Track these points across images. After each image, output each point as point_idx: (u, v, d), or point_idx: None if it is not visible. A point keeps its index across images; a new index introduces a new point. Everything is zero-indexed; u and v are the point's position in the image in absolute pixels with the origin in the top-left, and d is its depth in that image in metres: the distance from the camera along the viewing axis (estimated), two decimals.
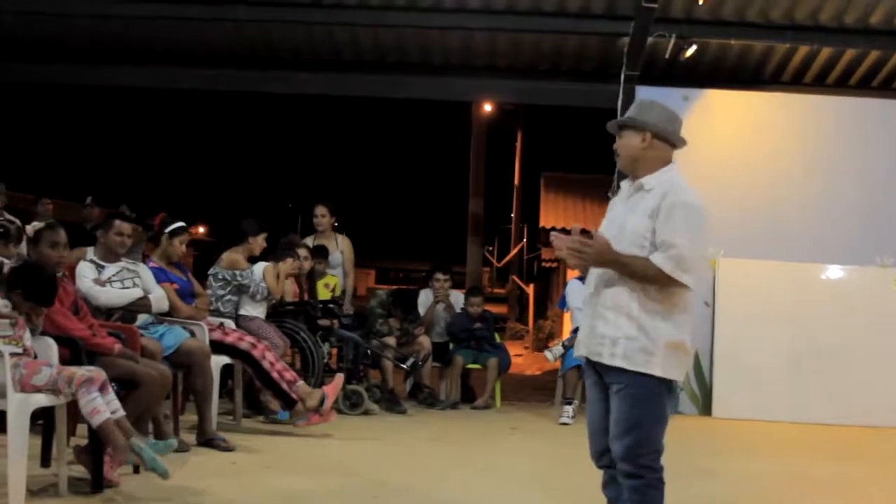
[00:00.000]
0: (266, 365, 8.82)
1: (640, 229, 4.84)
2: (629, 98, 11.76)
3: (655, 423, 4.85)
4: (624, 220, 4.95)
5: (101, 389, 6.03)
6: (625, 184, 5.18)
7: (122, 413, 6.14)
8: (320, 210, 12.00)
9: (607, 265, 4.83)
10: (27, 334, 6.29)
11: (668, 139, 5.06)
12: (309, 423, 8.83)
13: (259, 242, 10.19)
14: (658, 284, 4.78)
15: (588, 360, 5.03)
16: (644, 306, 4.80)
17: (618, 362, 4.81)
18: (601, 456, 5.05)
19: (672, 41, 11.43)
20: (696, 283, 4.84)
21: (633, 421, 4.81)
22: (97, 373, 6.05)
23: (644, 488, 4.82)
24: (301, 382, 8.94)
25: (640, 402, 4.81)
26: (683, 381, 4.88)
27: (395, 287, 13.46)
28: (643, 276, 4.77)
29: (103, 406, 5.96)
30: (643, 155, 5.01)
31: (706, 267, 11.12)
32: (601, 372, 4.95)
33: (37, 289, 6.39)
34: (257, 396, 9.83)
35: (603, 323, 4.89)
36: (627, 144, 5.04)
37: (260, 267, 10.09)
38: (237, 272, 9.87)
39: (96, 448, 6.32)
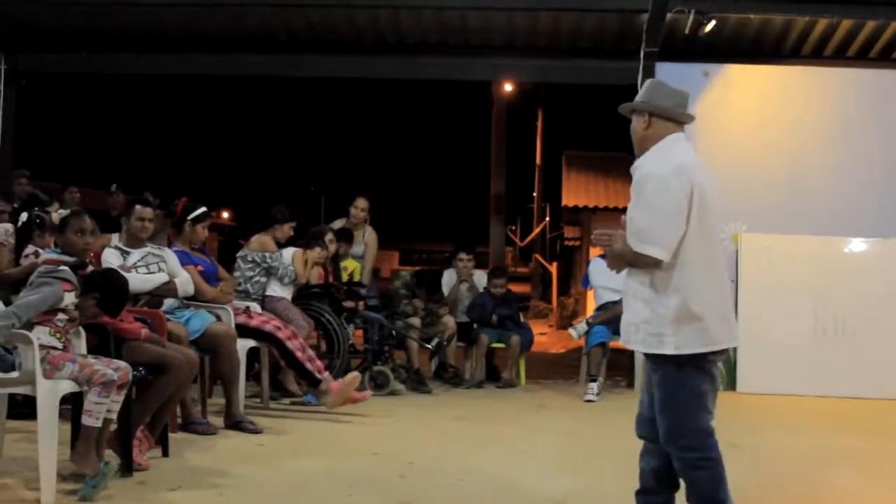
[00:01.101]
0: (290, 345, 8.89)
1: (630, 210, 4.98)
2: (649, 74, 11.72)
3: (686, 404, 4.89)
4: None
5: (119, 388, 6.09)
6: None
7: (113, 416, 6.16)
8: (362, 203, 11.91)
9: (620, 262, 5.02)
10: (74, 331, 6.38)
11: (668, 116, 5.10)
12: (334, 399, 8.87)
13: (285, 230, 10.34)
14: (640, 265, 4.90)
15: None
16: (654, 286, 4.90)
17: (638, 346, 5.01)
18: (639, 427, 5.25)
19: (691, 16, 11.36)
20: (667, 251, 4.82)
21: (663, 403, 4.94)
22: (123, 373, 6.09)
23: (687, 469, 4.93)
24: (327, 374, 9.03)
25: (666, 384, 4.93)
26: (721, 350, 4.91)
27: (418, 268, 13.43)
28: (632, 261, 4.92)
29: (100, 413, 5.97)
30: (646, 136, 5.10)
31: (711, 237, 11.12)
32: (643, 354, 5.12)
33: (113, 300, 6.56)
34: (283, 379, 9.91)
35: (627, 310, 5.08)
36: (634, 128, 5.18)
37: (289, 252, 10.19)
38: (267, 254, 10.00)
39: (126, 432, 6.40)
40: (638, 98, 5.17)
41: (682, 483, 5.05)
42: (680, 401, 4.89)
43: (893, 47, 11.97)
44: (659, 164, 4.90)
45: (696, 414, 4.89)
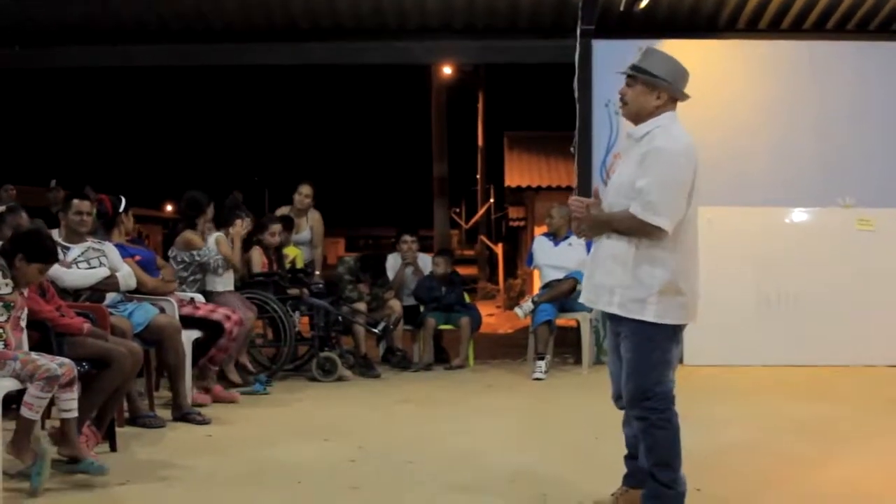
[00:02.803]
0: (225, 341, 9.04)
1: (629, 178, 5.02)
2: (586, 52, 11.78)
3: (655, 368, 5.03)
4: (620, 173, 5.19)
5: (67, 385, 6.03)
6: (624, 134, 5.31)
7: (73, 415, 6.15)
8: (305, 189, 11.88)
9: (601, 230, 5.09)
10: (24, 314, 6.28)
11: (675, 96, 5.17)
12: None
13: (209, 216, 10.27)
14: (639, 234, 4.94)
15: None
16: (639, 254, 4.99)
17: (614, 310, 5.07)
18: (618, 398, 5.30)
19: None
20: (673, 224, 4.92)
21: (633, 366, 5.05)
22: (67, 369, 6.03)
23: (650, 429, 5.04)
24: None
25: (639, 348, 5.03)
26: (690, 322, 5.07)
27: (362, 253, 13.44)
28: (627, 229, 4.97)
29: (40, 406, 5.95)
30: (652, 109, 5.13)
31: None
32: (610, 318, 5.21)
33: (38, 247, 6.42)
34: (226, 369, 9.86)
35: (602, 272, 5.13)
36: (638, 99, 5.16)
37: (212, 238, 10.08)
38: (194, 252, 9.89)
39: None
40: (650, 68, 5.12)
41: (641, 448, 5.12)
42: (650, 364, 5.01)
43: (827, 18, 12.06)
44: (670, 141, 4.98)
45: (662, 377, 5.03)
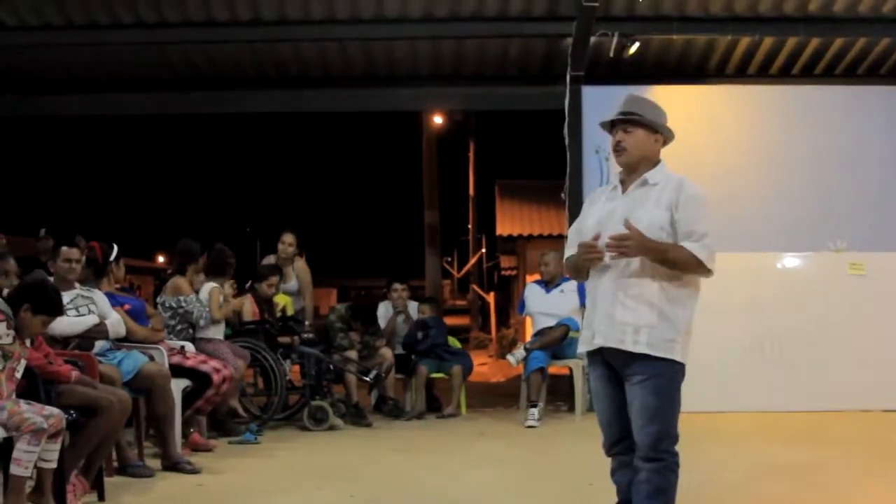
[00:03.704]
0: (212, 393, 8.98)
1: (657, 221, 5.02)
2: (576, 99, 11.80)
3: (676, 410, 5.05)
4: (632, 214, 5.06)
5: (54, 436, 5.97)
6: (615, 180, 5.34)
7: (51, 465, 6.09)
8: (288, 238, 11.80)
9: (648, 252, 4.95)
10: (21, 366, 6.22)
11: (668, 139, 5.27)
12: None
13: (201, 265, 10.24)
14: (686, 270, 4.97)
15: (594, 353, 5.20)
16: (665, 294, 4.99)
17: (642, 349, 4.98)
18: (613, 445, 5.26)
19: (615, 39, 11.44)
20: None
21: (656, 410, 4.98)
22: (55, 420, 5.97)
23: (664, 470, 5.00)
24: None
25: (663, 390, 4.98)
26: None
27: (353, 301, 13.41)
28: (675, 261, 4.95)
29: (29, 462, 5.86)
30: (652, 153, 5.19)
31: None
32: (618, 364, 5.09)
33: (45, 299, 6.39)
34: (221, 417, 9.80)
35: (622, 310, 5.04)
36: (640, 143, 5.18)
37: (206, 289, 10.03)
38: (181, 298, 9.83)
39: (59, 477, 6.25)
40: (653, 117, 5.19)
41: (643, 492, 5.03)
42: (670, 409, 5.00)
43: (815, 63, 12.12)
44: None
45: (677, 421, 5.05)
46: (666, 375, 4.97)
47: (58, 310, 6.55)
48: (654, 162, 5.18)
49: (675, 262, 4.94)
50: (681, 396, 5.06)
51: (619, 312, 5.04)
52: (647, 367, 4.97)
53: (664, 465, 4.99)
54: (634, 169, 5.19)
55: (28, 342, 6.32)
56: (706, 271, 4.97)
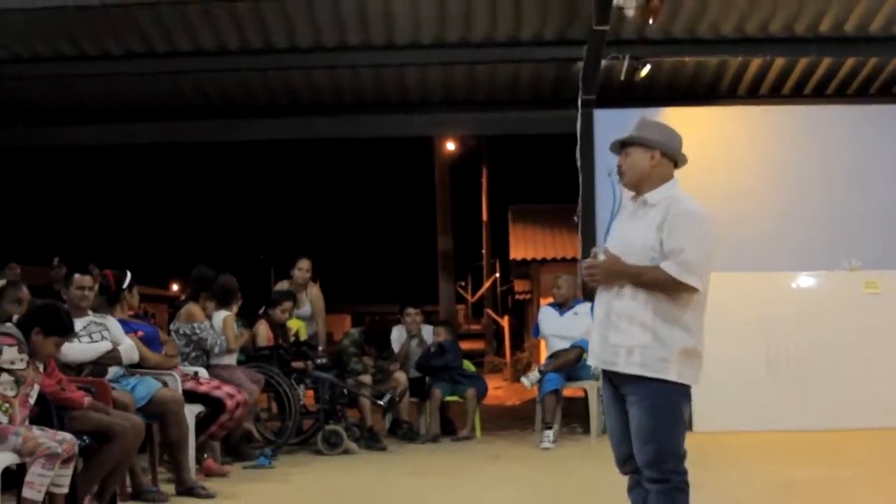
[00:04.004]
0: (226, 419, 8.97)
1: (649, 242, 4.98)
2: (588, 123, 11.82)
3: (674, 430, 4.99)
4: (630, 235, 5.12)
5: (66, 461, 5.97)
6: (627, 201, 5.33)
7: (63, 490, 6.07)
8: (304, 264, 11.80)
9: (619, 277, 4.97)
10: (34, 391, 6.22)
11: (673, 157, 5.19)
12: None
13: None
14: (667, 291, 4.91)
15: (604, 372, 5.20)
16: (658, 314, 4.94)
17: (634, 370, 4.95)
18: (625, 463, 5.20)
19: (626, 62, 11.48)
20: (704, 288, 4.94)
21: (652, 430, 4.94)
22: (68, 446, 5.97)
23: (671, 492, 4.95)
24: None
25: (658, 410, 4.94)
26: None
27: (365, 326, 13.36)
28: (653, 283, 4.92)
29: (42, 485, 5.85)
30: (651, 173, 5.14)
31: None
32: (617, 383, 5.09)
33: (55, 321, 6.40)
34: (236, 443, 9.79)
35: (615, 332, 5.03)
36: (635, 163, 5.17)
37: (220, 318, 10.04)
38: (195, 325, 9.83)
39: (73, 503, 6.24)
40: (642, 134, 5.17)
41: None
42: (669, 427, 4.96)
43: (827, 83, 12.14)
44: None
45: (679, 439, 5.00)
46: (661, 396, 4.93)
47: (69, 331, 6.56)
48: (657, 181, 5.13)
49: (653, 284, 4.91)
50: (683, 415, 5.02)
51: (612, 335, 5.04)
52: (641, 387, 4.96)
53: (671, 487, 4.93)
54: (638, 190, 5.18)
55: (41, 367, 6.32)
56: (687, 287, 4.88)
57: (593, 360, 5.24)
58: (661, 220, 4.97)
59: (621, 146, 5.22)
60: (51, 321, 6.36)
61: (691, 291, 4.91)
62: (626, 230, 5.18)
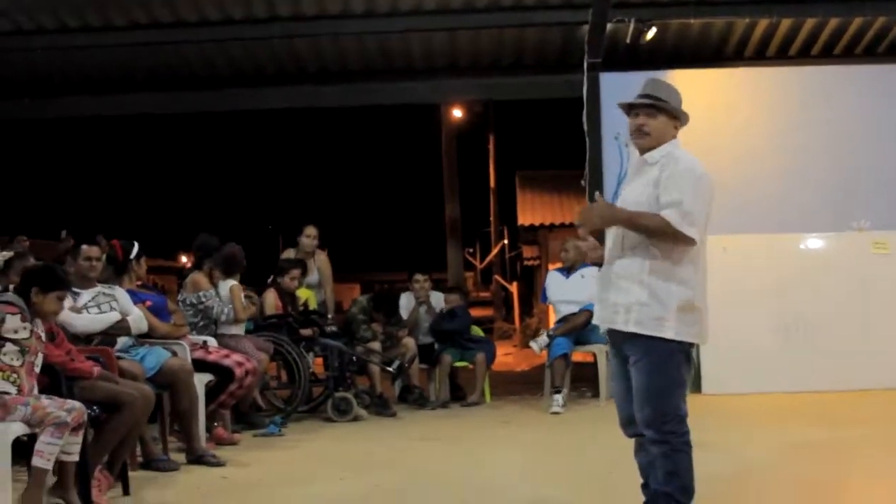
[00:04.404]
0: (235, 387, 9.01)
1: (643, 198, 5.02)
2: (594, 86, 11.78)
3: (674, 389, 5.00)
4: (628, 195, 5.17)
5: (76, 429, 5.98)
6: (633, 163, 5.36)
7: (73, 458, 6.09)
8: (311, 231, 11.78)
9: (614, 222, 4.98)
10: (39, 360, 6.23)
11: (684, 124, 5.25)
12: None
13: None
14: (662, 239, 4.91)
15: (608, 333, 5.24)
16: (655, 271, 4.97)
17: (631, 328, 4.99)
18: (628, 425, 5.24)
19: (632, 25, 11.43)
20: (700, 243, 4.97)
21: (651, 389, 4.97)
22: (77, 414, 5.98)
23: (671, 453, 4.97)
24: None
25: (656, 369, 4.97)
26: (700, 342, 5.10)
27: (375, 292, 13.36)
28: (649, 228, 4.92)
29: (52, 454, 5.85)
30: (666, 135, 5.17)
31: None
32: (618, 343, 5.14)
33: (50, 276, 6.37)
34: (245, 410, 9.81)
35: (615, 291, 5.07)
36: (663, 130, 5.18)
37: (226, 286, 10.04)
38: (201, 293, 9.84)
39: (83, 472, 6.27)
40: (672, 103, 5.17)
41: (658, 474, 5.01)
42: (668, 386, 4.97)
43: (834, 44, 12.07)
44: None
45: (679, 400, 5.01)
46: (657, 354, 4.95)
47: (65, 283, 6.52)
48: (662, 142, 5.15)
49: (647, 229, 4.91)
50: (683, 375, 5.02)
51: (612, 294, 5.08)
52: (638, 346, 4.99)
53: (671, 448, 4.96)
54: (648, 150, 5.18)
55: (43, 336, 6.31)
56: (685, 238, 4.88)
57: (597, 320, 5.31)
58: (657, 176, 5.00)
59: (642, 106, 5.17)
60: (46, 277, 6.33)
61: (688, 243, 4.92)
62: (629, 190, 5.20)
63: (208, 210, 51.44)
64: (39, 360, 6.25)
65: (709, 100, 11.84)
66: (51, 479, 6.11)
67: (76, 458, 6.09)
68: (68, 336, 7.11)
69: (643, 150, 5.21)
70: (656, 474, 5.02)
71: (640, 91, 5.24)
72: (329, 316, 11.64)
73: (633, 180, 5.25)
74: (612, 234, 5.16)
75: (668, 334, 4.92)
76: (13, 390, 5.97)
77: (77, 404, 6.06)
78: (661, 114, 5.15)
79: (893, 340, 11.18)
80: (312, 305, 11.39)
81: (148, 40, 11.79)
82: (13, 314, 6.04)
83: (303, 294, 11.42)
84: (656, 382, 4.96)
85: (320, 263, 11.88)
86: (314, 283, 11.75)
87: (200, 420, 8.38)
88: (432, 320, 11.88)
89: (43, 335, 6.31)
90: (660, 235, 4.90)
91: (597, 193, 5.03)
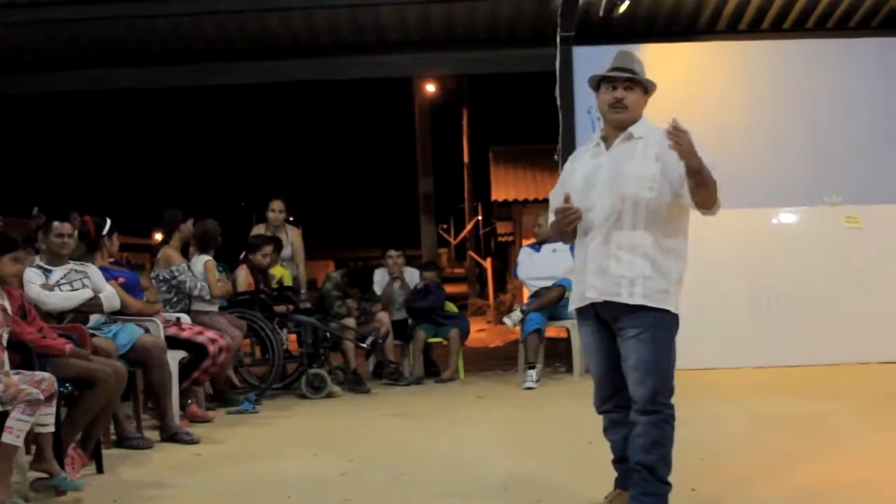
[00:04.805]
0: (209, 364, 9.01)
1: (648, 173, 5.00)
2: (567, 60, 11.74)
3: (672, 362, 5.06)
4: (619, 168, 5.07)
5: (47, 400, 5.92)
6: (596, 137, 5.29)
7: (48, 430, 6.05)
8: (277, 205, 11.76)
9: (695, 156, 4.68)
10: (5, 332, 6.17)
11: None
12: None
13: (189, 227, 10.16)
14: (711, 197, 4.89)
15: (585, 309, 5.19)
16: (658, 245, 5.00)
17: (638, 300, 4.97)
18: (606, 401, 5.27)
19: None
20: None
21: (654, 363, 4.98)
22: (47, 384, 5.94)
23: (660, 423, 5.01)
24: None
25: (660, 342, 5.00)
26: None
27: (347, 268, 13.31)
28: (708, 181, 4.81)
29: (21, 430, 5.79)
30: (641, 109, 5.20)
31: None
32: (612, 317, 5.08)
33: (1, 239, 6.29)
34: (220, 388, 9.79)
35: (616, 263, 5.04)
36: (639, 102, 5.19)
37: (200, 261, 10.00)
38: (173, 269, 9.81)
39: (57, 450, 6.23)
40: (638, 70, 5.16)
41: (639, 445, 5.01)
42: (667, 361, 5.02)
43: (807, 17, 12.03)
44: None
45: (673, 372, 5.06)
46: (661, 327, 4.97)
47: (17, 243, 6.47)
48: (638, 116, 5.17)
49: (707, 184, 4.80)
50: (675, 349, 5.05)
51: (614, 266, 5.02)
52: (642, 319, 4.96)
53: (660, 418, 4.98)
54: (623, 124, 5.15)
55: (8, 308, 6.25)
56: (715, 204, 4.91)
57: (592, 293, 5.11)
58: (658, 150, 4.96)
59: (619, 80, 5.13)
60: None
61: (714, 209, 4.94)
62: (610, 164, 5.11)
63: (182, 187, 51.22)
64: (6, 333, 6.20)
65: (682, 73, 11.83)
66: (28, 457, 6.09)
67: (51, 429, 6.05)
68: (40, 314, 7.08)
69: (619, 124, 5.16)
70: (637, 444, 5.00)
71: (612, 65, 5.18)
72: (302, 292, 11.62)
73: (620, 153, 5.10)
74: (605, 204, 5.07)
75: (671, 307, 4.99)
76: None
77: (47, 375, 6.05)
78: (637, 87, 5.14)
79: (866, 314, 11.23)
80: (287, 283, 11.36)
81: (121, 13, 11.64)
82: None
83: (277, 272, 11.38)
84: (660, 355, 4.98)
85: (293, 238, 11.84)
86: (287, 256, 11.69)
87: (174, 397, 8.35)
88: (406, 297, 11.85)
89: (9, 307, 6.25)
90: (711, 193, 4.85)
91: (675, 119, 4.68)
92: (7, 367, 6.17)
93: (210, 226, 10.29)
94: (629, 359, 5.01)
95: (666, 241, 5.00)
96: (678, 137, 4.61)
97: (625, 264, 4.99)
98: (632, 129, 5.13)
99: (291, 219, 12.07)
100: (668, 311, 4.98)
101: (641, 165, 5.01)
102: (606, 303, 5.06)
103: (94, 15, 11.63)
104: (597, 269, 5.08)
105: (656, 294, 4.95)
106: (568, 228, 5.15)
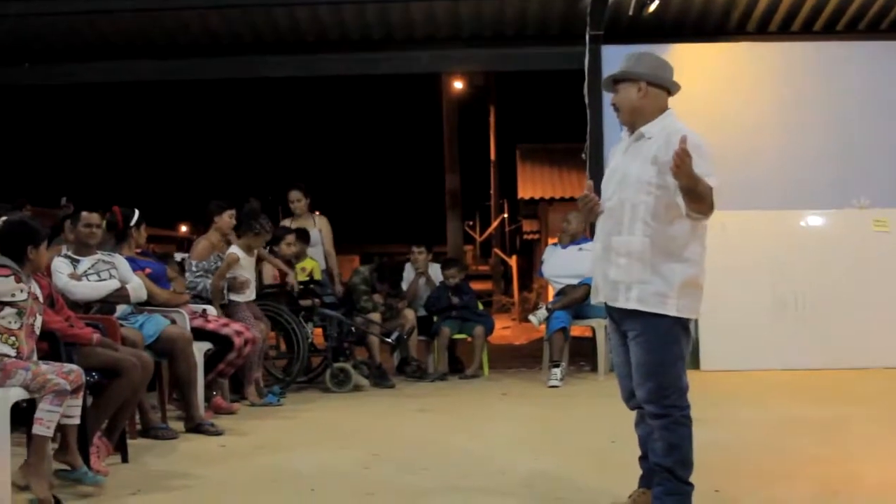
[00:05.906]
0: (234, 356, 9.02)
1: (645, 176, 4.98)
2: (595, 59, 11.73)
3: (674, 365, 5.00)
4: (626, 169, 5.09)
5: (74, 392, 5.95)
6: (624, 134, 5.29)
7: (74, 422, 6.06)
8: (295, 195, 11.85)
9: (691, 179, 4.65)
10: (38, 321, 6.20)
11: (663, 85, 5.17)
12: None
13: (226, 220, 10.12)
14: (704, 208, 4.80)
15: (607, 307, 5.22)
16: (657, 249, 4.96)
17: (633, 305, 4.99)
18: (630, 398, 5.25)
19: None
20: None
21: (651, 365, 4.98)
22: (75, 375, 5.95)
23: (672, 426, 4.98)
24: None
25: (657, 345, 4.98)
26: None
27: (377, 262, 13.27)
28: (705, 196, 4.75)
29: (51, 421, 5.80)
30: (641, 105, 5.13)
31: None
32: (619, 319, 5.15)
33: (33, 230, 6.22)
34: (244, 380, 9.82)
35: (615, 269, 5.06)
36: (626, 97, 5.16)
37: (229, 251, 10.03)
38: (192, 262, 9.87)
39: (83, 439, 6.26)
40: (628, 68, 5.14)
41: (658, 447, 5.01)
42: (668, 361, 4.98)
43: (838, 19, 11.99)
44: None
45: (680, 373, 5.02)
46: (658, 331, 4.96)
47: (44, 230, 6.44)
48: (651, 114, 5.11)
49: (701, 197, 4.75)
50: (683, 349, 5.03)
51: (613, 271, 5.07)
52: (638, 322, 5.00)
53: (672, 421, 4.97)
54: (633, 124, 5.17)
55: (40, 296, 6.25)
56: (711, 205, 4.79)
57: (599, 297, 5.23)
58: (657, 154, 4.93)
59: (613, 83, 5.20)
60: (31, 233, 6.17)
61: (691, 225, 4.89)
62: (622, 164, 5.15)
63: (210, 180, 51.31)
64: (39, 322, 6.22)
65: (711, 74, 11.83)
66: (53, 446, 6.12)
67: (77, 420, 6.07)
68: (68, 303, 7.11)
69: (626, 125, 5.22)
70: (655, 447, 5.02)
71: None
72: (337, 287, 11.63)
73: (632, 154, 5.13)
74: (610, 205, 5.12)
75: (671, 311, 4.93)
76: (12, 353, 5.94)
77: (74, 367, 6.05)
78: (622, 84, 5.15)
79: (893, 320, 11.17)
80: (317, 276, 11.38)
81: (147, 6, 11.72)
82: (6, 276, 5.97)
83: (308, 264, 11.40)
84: (657, 358, 4.97)
85: (321, 224, 11.89)
86: (316, 241, 11.69)
87: (199, 389, 8.39)
88: (427, 299, 11.86)
89: (40, 295, 6.27)
90: (705, 204, 4.78)
91: (682, 136, 4.66)
92: (35, 356, 6.20)
93: (247, 207, 10.28)
94: (632, 360, 5.08)
95: (668, 245, 4.95)
96: (680, 160, 4.62)
97: (622, 270, 5.02)
98: (643, 128, 5.11)
99: (311, 206, 12.06)
100: (665, 316, 4.94)
101: (641, 169, 5.01)
102: (611, 305, 5.15)
103: (121, 7, 11.70)
104: (601, 274, 5.17)
105: (652, 298, 4.94)
106: (590, 216, 5.23)
